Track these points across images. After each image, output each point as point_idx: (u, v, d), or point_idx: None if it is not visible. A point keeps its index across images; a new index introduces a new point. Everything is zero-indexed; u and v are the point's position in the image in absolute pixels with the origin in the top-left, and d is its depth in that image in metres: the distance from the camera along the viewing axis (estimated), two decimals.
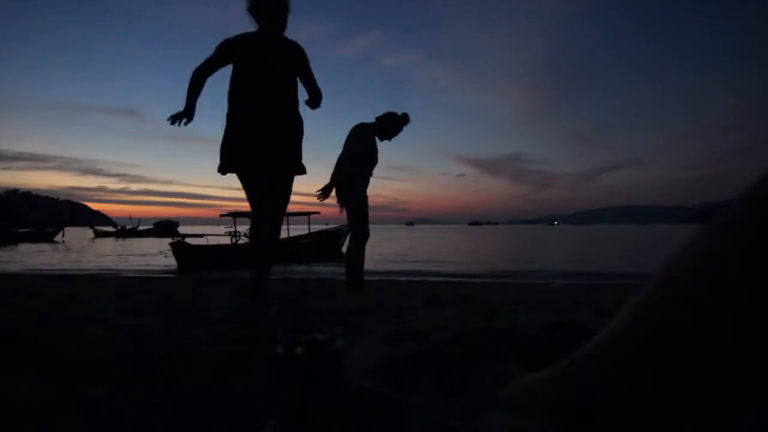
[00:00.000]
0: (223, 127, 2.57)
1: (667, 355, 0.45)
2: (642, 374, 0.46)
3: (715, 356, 0.41)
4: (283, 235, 13.28)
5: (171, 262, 11.04)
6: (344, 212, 3.41)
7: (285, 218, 14.16)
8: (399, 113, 3.44)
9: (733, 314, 0.39)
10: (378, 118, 3.43)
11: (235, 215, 12.89)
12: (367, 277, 3.70)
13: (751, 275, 0.39)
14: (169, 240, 12.51)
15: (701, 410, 0.43)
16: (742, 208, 0.43)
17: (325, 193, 3.44)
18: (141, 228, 38.67)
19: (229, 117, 2.53)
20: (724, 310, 0.40)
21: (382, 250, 15.96)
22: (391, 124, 3.44)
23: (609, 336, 0.53)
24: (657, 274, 0.50)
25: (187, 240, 13.02)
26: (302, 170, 2.67)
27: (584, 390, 0.53)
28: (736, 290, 0.39)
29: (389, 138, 3.50)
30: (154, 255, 14.42)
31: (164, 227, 36.87)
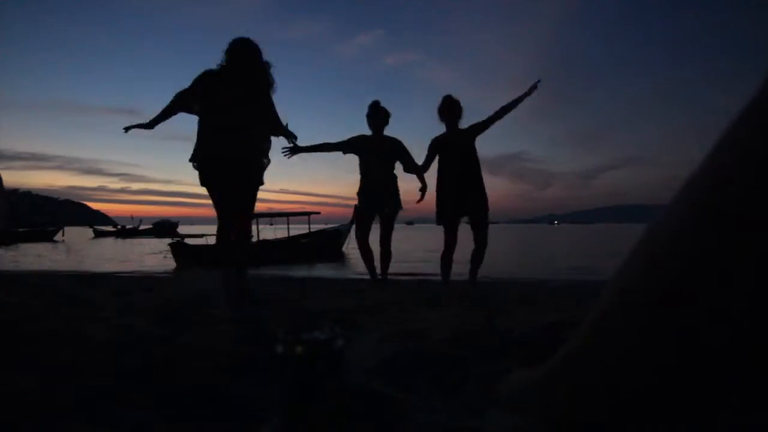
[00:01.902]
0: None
1: (622, 367, 0.47)
2: (615, 375, 0.48)
3: (659, 370, 0.43)
4: (284, 234, 13.27)
5: (170, 262, 11.05)
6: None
7: (286, 218, 13.98)
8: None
9: (673, 329, 0.41)
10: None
11: None
12: (366, 277, 3.71)
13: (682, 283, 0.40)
14: (169, 240, 12.50)
15: (669, 410, 0.44)
16: (672, 213, 0.44)
17: None
18: (142, 228, 38.64)
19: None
20: (664, 324, 0.42)
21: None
22: (369, 119, 3.49)
23: (584, 336, 0.54)
24: (610, 281, 0.52)
25: (187, 240, 13.01)
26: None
27: (572, 388, 0.53)
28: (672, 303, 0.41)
29: (377, 128, 3.46)
30: (154, 254, 14.42)
31: (163, 227, 36.84)
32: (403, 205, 3.56)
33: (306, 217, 13.68)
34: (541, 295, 3.34)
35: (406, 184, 3.70)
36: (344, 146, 3.51)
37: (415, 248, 16.75)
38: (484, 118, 3.28)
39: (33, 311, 2.15)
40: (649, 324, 0.43)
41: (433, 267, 3.88)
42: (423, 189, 3.50)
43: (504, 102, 3.25)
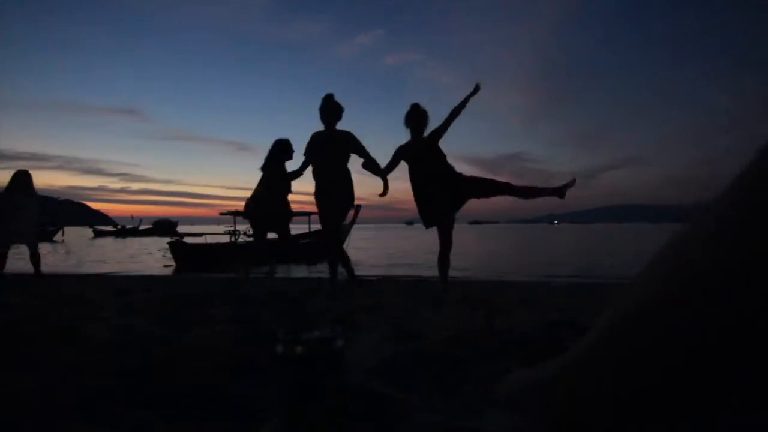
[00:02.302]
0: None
1: (640, 368, 0.46)
2: (623, 381, 0.47)
3: (681, 372, 0.42)
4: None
5: (169, 261, 11.02)
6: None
7: None
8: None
9: (702, 330, 0.40)
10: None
11: (235, 214, 12.79)
12: (366, 277, 3.72)
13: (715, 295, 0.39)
14: (168, 239, 12.46)
15: (672, 413, 0.44)
16: (712, 216, 0.43)
17: None
18: (142, 227, 38.60)
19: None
20: (693, 327, 0.41)
21: (382, 249, 15.97)
22: (321, 112, 3.52)
23: (595, 340, 0.54)
24: (634, 281, 0.51)
25: (187, 239, 12.98)
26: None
27: (574, 390, 0.54)
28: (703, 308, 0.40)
29: (329, 122, 3.49)
30: (153, 254, 14.42)
31: (163, 227, 36.78)
32: (362, 198, 3.59)
33: (306, 217, 13.66)
34: (541, 295, 3.34)
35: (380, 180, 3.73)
36: (306, 158, 3.59)
37: (416, 248, 16.75)
38: (440, 122, 3.32)
39: (33, 311, 2.15)
40: (667, 327, 0.43)
41: (433, 268, 3.86)
42: (384, 184, 3.56)
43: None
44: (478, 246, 19.73)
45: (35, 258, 4.81)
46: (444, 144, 3.36)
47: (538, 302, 2.68)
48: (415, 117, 3.31)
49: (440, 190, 3.22)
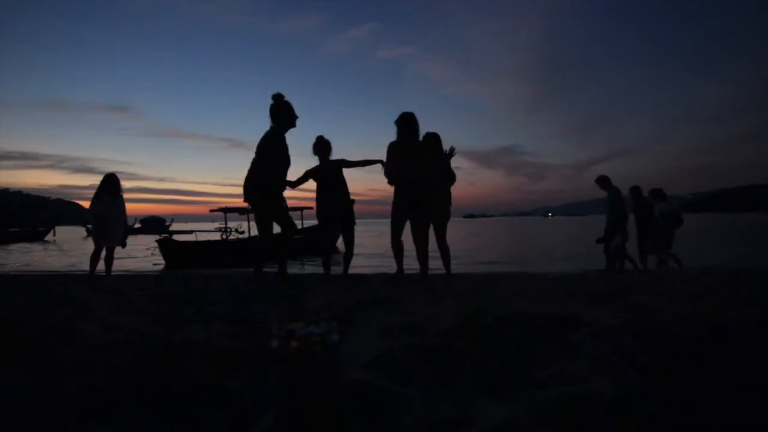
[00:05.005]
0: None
1: None
2: None
3: None
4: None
5: (160, 259, 10.90)
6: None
7: None
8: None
9: None
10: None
11: (225, 211, 12.68)
12: (363, 271, 3.74)
13: None
14: (156, 236, 12.33)
15: None
16: None
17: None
18: (136, 226, 38.38)
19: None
20: None
21: (378, 243, 15.98)
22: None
23: None
24: None
25: (176, 236, 12.85)
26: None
27: None
28: None
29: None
30: (144, 252, 14.30)
31: (153, 224, 36.57)
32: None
33: (299, 213, 13.58)
34: (537, 286, 3.36)
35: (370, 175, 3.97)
36: (306, 177, 4.04)
37: (411, 242, 16.78)
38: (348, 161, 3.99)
39: (29, 312, 2.14)
40: None
41: (430, 259, 3.89)
42: (371, 161, 3.98)
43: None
44: (474, 239, 19.77)
45: (111, 259, 4.99)
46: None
47: (533, 294, 2.69)
48: (321, 147, 3.90)
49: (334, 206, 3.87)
